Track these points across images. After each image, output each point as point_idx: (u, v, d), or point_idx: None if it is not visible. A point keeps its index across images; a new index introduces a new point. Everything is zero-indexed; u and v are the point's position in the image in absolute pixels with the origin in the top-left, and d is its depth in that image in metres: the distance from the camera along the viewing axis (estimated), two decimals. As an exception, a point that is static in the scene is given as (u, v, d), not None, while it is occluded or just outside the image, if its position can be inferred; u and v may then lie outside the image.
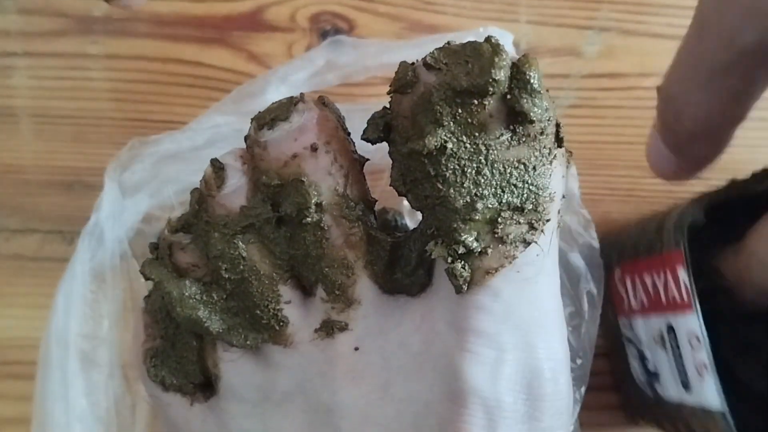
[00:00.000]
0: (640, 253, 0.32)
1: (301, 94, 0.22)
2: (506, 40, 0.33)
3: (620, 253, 0.34)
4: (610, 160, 0.38)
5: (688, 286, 0.28)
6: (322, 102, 0.23)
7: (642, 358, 0.33)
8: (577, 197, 0.35)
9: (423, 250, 0.22)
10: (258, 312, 0.23)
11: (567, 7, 0.38)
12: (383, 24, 0.37)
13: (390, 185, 0.22)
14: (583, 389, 0.33)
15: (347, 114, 0.35)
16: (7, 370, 0.35)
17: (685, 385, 0.30)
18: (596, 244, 0.35)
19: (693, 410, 0.30)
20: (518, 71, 0.19)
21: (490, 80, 0.19)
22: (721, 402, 0.28)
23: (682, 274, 0.29)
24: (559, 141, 0.21)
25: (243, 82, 0.35)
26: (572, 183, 0.35)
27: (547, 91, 0.20)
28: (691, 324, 0.28)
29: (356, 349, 0.22)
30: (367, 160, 0.23)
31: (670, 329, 0.30)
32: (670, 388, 0.31)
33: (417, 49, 0.33)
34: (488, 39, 0.19)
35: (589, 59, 0.38)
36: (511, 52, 0.34)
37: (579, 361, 0.33)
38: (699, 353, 0.28)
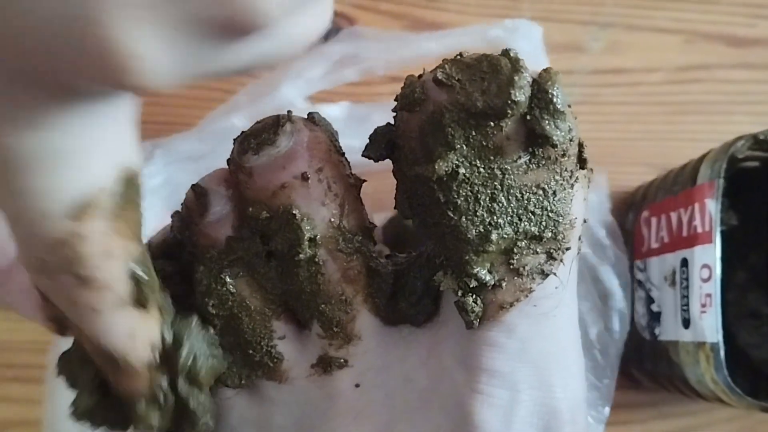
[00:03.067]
0: (670, 192, 0.33)
1: (289, 112, 0.20)
2: (536, 33, 0.31)
3: (652, 195, 0.35)
4: (615, 156, 0.37)
5: (713, 216, 0.30)
6: (313, 120, 0.20)
7: (648, 300, 0.35)
8: (607, 206, 0.34)
9: (430, 278, 0.20)
10: (250, 351, 0.21)
11: (571, 2, 0.37)
12: (385, 22, 0.37)
13: (394, 208, 0.20)
14: (607, 409, 0.33)
15: (354, 114, 0.34)
16: (12, 373, 0.35)
17: (686, 322, 0.31)
18: (626, 256, 0.35)
19: (685, 345, 0.31)
20: (539, 89, 0.17)
21: (509, 102, 0.17)
22: (718, 334, 0.29)
23: (710, 205, 0.30)
24: (581, 162, 0.19)
25: (244, 81, 0.34)
26: (601, 192, 0.34)
27: (569, 106, 0.18)
28: (708, 254, 0.30)
29: (357, 386, 0.20)
30: (364, 181, 0.21)
31: (684, 264, 0.32)
32: (668, 328, 0.33)
33: (445, 41, 0.32)
34: (506, 53, 0.18)
35: (593, 55, 0.37)
36: (540, 48, 0.33)
37: (605, 381, 0.32)
38: (708, 284, 0.30)
